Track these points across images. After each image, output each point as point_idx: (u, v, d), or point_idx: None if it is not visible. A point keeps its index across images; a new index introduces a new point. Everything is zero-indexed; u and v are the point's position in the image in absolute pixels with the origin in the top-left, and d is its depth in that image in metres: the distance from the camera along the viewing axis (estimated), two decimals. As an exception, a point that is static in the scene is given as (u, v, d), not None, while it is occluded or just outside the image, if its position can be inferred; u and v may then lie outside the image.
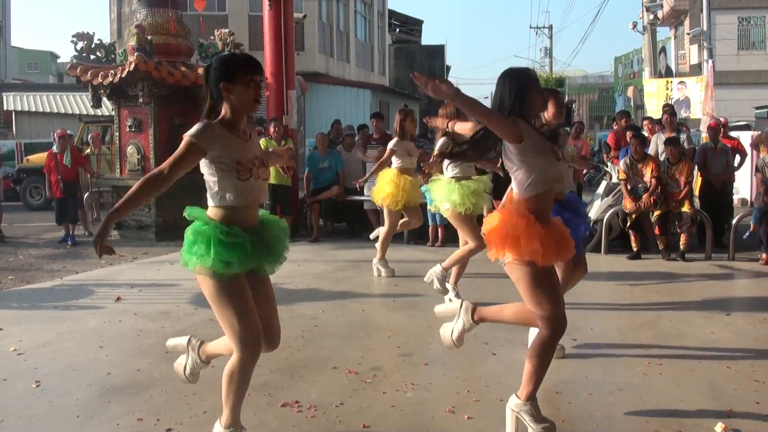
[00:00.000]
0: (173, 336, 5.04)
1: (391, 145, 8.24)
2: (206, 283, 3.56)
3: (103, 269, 9.49)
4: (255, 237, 3.61)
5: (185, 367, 4.21)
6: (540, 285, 3.82)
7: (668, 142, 9.90)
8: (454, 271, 6.96)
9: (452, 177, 6.97)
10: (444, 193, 6.90)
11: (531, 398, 3.92)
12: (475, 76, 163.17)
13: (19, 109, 27.67)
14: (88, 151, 15.44)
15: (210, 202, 3.64)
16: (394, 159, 8.29)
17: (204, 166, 3.58)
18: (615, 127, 13.14)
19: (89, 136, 17.05)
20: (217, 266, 3.47)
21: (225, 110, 3.59)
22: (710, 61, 18.25)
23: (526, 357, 3.97)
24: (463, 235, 6.95)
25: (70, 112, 26.80)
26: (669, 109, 11.94)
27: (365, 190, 10.52)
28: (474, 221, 6.82)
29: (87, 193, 13.86)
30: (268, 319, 3.75)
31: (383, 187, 8.27)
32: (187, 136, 3.47)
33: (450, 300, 6.54)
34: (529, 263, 3.77)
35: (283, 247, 3.83)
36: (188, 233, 3.61)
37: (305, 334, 6.08)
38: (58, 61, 61.29)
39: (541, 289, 3.82)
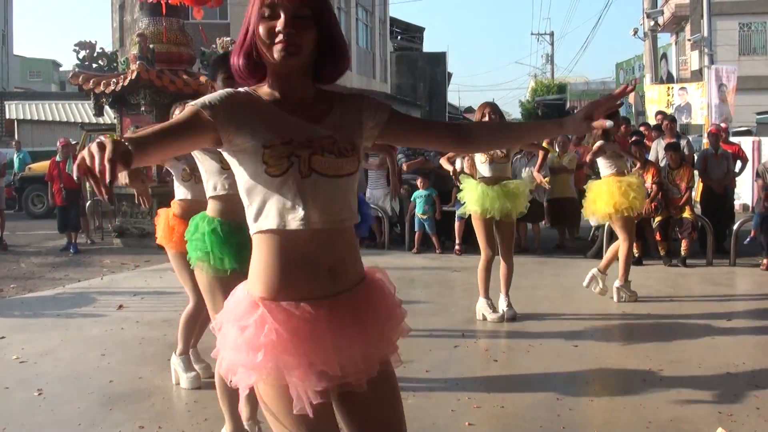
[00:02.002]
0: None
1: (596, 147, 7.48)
2: (200, 277, 3.71)
3: (106, 277, 9.50)
4: (245, 235, 3.60)
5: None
6: (177, 267, 4.85)
7: (668, 148, 9.92)
8: (481, 285, 6.73)
9: (487, 177, 6.65)
10: (474, 196, 6.59)
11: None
12: (476, 82, 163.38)
13: (22, 117, 27.73)
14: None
15: (207, 196, 3.75)
16: (604, 163, 7.55)
17: (196, 159, 3.70)
18: None
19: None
20: (211, 261, 3.60)
21: None
22: (735, 68, 18.25)
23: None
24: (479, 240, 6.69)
25: (73, 120, 26.83)
26: (668, 116, 11.97)
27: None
28: (489, 228, 6.60)
29: (89, 202, 13.88)
30: None
31: (600, 197, 7.53)
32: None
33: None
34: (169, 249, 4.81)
35: None
36: (189, 229, 3.77)
37: (307, 341, 6.08)
38: (61, 69, 61.38)
39: (179, 269, 4.81)
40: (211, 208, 3.69)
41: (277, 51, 1.95)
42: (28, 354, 5.80)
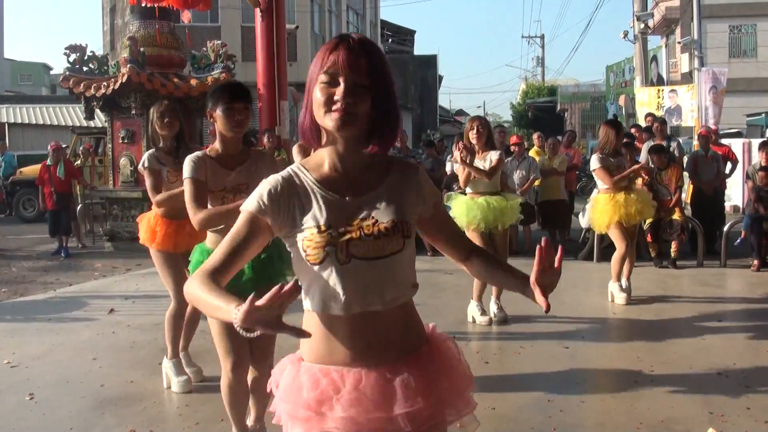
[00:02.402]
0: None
1: (595, 162, 7.56)
2: None
3: (97, 281, 9.49)
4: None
5: None
6: (161, 267, 4.99)
7: (652, 151, 9.92)
8: (475, 290, 6.78)
9: (472, 192, 6.73)
10: (463, 210, 6.64)
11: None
12: (467, 85, 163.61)
13: (12, 121, 27.62)
14: (78, 162, 15.43)
15: None
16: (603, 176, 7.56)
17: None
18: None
19: (80, 148, 17.04)
20: None
21: (216, 136, 3.78)
22: (725, 69, 18.36)
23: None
24: None
25: (63, 123, 26.76)
26: (658, 118, 12.01)
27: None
28: (483, 240, 6.58)
29: (80, 206, 13.86)
30: (260, 343, 3.83)
31: (602, 212, 7.56)
32: (186, 179, 3.65)
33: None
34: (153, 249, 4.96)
35: (275, 275, 3.88)
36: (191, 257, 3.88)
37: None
38: (51, 72, 61.25)
39: (163, 269, 4.98)
40: (209, 240, 3.81)
41: (333, 119, 1.92)
42: (20, 358, 5.78)
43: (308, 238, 1.95)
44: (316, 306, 1.99)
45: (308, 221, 1.98)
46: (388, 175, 2.09)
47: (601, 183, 7.61)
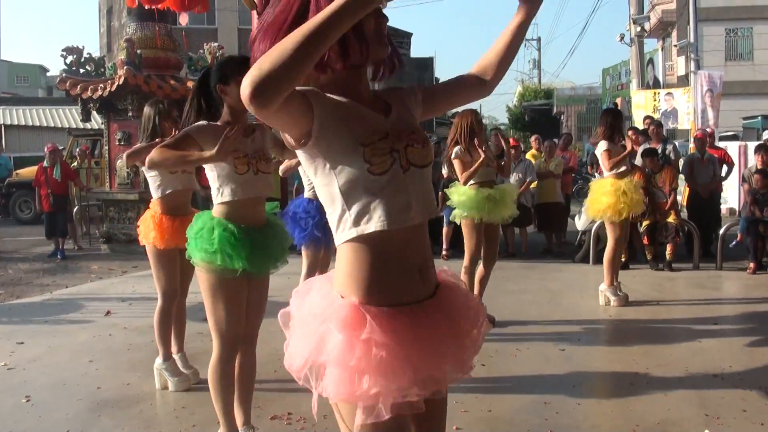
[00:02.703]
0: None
1: (603, 145, 7.39)
2: (203, 277, 3.68)
3: (93, 283, 9.47)
4: (256, 237, 3.69)
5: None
6: (160, 264, 4.95)
7: (645, 155, 9.91)
8: (476, 288, 6.61)
9: (479, 181, 6.53)
10: (469, 202, 6.48)
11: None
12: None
13: (9, 123, 27.59)
14: (75, 164, 15.42)
15: (214, 201, 3.75)
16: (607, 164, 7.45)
17: (207, 165, 3.71)
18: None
19: (77, 150, 17.03)
20: (219, 261, 3.59)
21: (225, 111, 3.72)
22: (721, 73, 18.41)
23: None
24: (466, 243, 6.63)
25: (60, 125, 26.75)
26: (654, 121, 12.02)
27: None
28: (480, 233, 6.50)
29: (76, 207, 13.84)
30: (251, 323, 3.86)
31: (599, 198, 7.50)
32: (184, 130, 3.68)
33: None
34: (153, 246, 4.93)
35: (283, 252, 3.92)
36: (192, 227, 3.76)
37: (295, 346, 6.06)
38: (48, 74, 61.09)
39: (161, 266, 4.96)
40: (220, 212, 3.70)
41: (382, 48, 1.93)
42: (16, 360, 5.78)
43: (371, 146, 1.88)
44: (378, 224, 1.89)
45: (366, 130, 1.91)
46: (388, 98, 2.09)
47: (604, 169, 7.49)
